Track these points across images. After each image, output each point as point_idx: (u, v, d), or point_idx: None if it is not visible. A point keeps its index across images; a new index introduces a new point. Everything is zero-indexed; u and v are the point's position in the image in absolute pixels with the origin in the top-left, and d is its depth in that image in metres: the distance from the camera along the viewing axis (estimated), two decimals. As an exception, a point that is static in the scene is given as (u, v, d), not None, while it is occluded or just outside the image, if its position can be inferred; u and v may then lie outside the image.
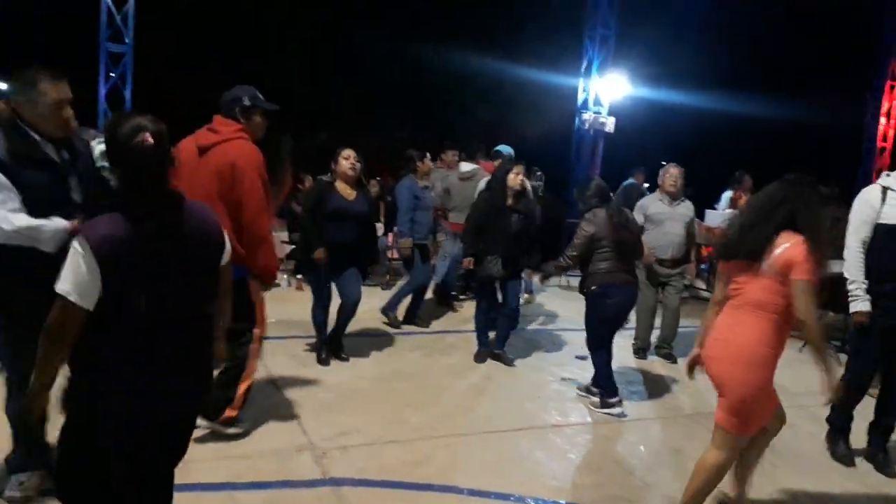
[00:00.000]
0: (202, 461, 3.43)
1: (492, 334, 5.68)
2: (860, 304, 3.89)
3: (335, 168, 5.15)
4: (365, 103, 14.95)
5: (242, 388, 3.74)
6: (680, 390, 5.29)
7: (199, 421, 3.58)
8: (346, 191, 5.11)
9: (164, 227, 2.01)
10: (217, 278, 2.25)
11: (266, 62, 13.94)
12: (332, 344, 5.28)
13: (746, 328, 2.87)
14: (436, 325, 6.72)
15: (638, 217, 5.87)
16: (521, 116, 16.09)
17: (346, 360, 5.27)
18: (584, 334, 4.82)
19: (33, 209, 2.66)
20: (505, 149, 7.31)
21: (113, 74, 7.77)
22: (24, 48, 14.59)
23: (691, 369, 3.19)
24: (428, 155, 6.77)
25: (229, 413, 3.71)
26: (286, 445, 3.73)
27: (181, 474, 3.24)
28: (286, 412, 4.19)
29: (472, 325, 5.95)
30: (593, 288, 4.62)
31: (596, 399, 4.73)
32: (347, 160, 5.09)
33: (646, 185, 9.59)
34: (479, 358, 5.58)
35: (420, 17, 14.85)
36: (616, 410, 4.61)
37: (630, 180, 9.46)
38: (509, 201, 5.31)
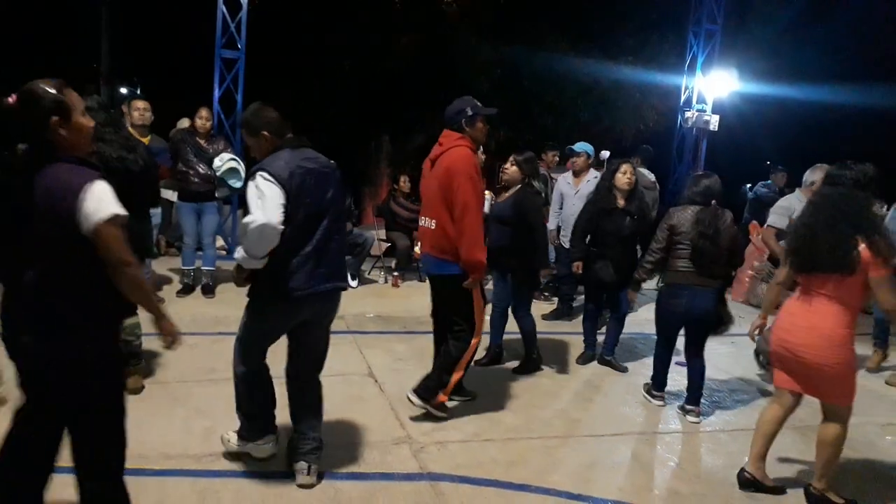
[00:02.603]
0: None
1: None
2: None
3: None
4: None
5: (455, 377, 4.13)
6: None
7: (414, 399, 4.04)
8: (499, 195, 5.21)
9: (11, 178, 2.21)
10: (78, 243, 2.20)
11: (365, 65, 14.27)
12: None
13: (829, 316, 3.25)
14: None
15: (782, 219, 5.34)
16: (619, 115, 15.74)
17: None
18: (684, 340, 4.67)
19: None
20: (582, 146, 6.84)
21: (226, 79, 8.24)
22: (147, 57, 15.62)
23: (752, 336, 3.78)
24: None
25: (441, 398, 4.12)
26: (385, 438, 3.83)
27: (285, 462, 3.40)
28: (384, 405, 4.30)
29: (564, 328, 5.87)
30: (661, 285, 4.58)
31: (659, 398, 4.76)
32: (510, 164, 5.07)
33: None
34: (584, 361, 5.52)
35: (515, 19, 14.77)
36: (657, 401, 4.73)
37: (765, 182, 9.13)
38: (620, 202, 5.19)
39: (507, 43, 14.33)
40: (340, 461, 3.50)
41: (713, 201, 4.40)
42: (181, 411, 3.95)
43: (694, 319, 4.42)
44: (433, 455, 3.67)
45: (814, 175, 5.39)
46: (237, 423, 3.42)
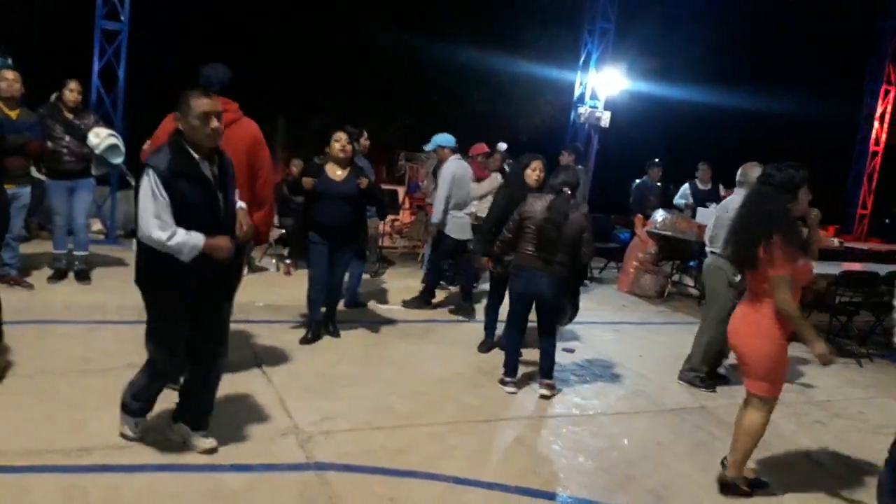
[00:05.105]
0: (186, 442, 3.43)
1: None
2: None
3: (328, 150, 5.24)
4: (362, 91, 14.82)
5: None
6: (664, 386, 5.30)
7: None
8: (334, 172, 5.20)
9: None
10: None
11: (262, 45, 13.81)
12: (324, 323, 5.45)
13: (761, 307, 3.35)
14: (423, 314, 6.69)
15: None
16: (516, 109, 16.00)
17: (337, 336, 5.44)
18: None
19: (183, 220, 2.93)
20: (443, 139, 6.78)
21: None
22: (22, 27, 14.42)
23: None
24: (365, 133, 6.80)
25: None
26: (271, 429, 3.73)
27: (166, 455, 3.27)
28: (271, 396, 4.18)
29: (459, 316, 5.90)
30: (511, 267, 4.74)
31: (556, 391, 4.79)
32: (338, 143, 5.18)
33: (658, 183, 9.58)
34: (484, 349, 5.56)
35: (421, 6, 14.70)
36: (509, 389, 4.73)
37: (642, 178, 9.49)
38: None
39: (411, 29, 14.25)
40: (223, 453, 3.38)
41: (566, 190, 4.59)
42: (49, 404, 3.69)
43: (532, 301, 4.66)
44: (320, 444, 3.61)
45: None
46: (112, 416, 3.33)
